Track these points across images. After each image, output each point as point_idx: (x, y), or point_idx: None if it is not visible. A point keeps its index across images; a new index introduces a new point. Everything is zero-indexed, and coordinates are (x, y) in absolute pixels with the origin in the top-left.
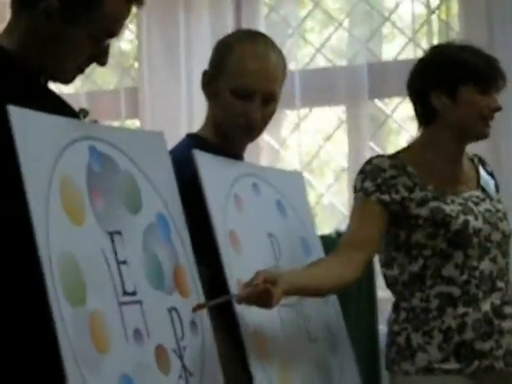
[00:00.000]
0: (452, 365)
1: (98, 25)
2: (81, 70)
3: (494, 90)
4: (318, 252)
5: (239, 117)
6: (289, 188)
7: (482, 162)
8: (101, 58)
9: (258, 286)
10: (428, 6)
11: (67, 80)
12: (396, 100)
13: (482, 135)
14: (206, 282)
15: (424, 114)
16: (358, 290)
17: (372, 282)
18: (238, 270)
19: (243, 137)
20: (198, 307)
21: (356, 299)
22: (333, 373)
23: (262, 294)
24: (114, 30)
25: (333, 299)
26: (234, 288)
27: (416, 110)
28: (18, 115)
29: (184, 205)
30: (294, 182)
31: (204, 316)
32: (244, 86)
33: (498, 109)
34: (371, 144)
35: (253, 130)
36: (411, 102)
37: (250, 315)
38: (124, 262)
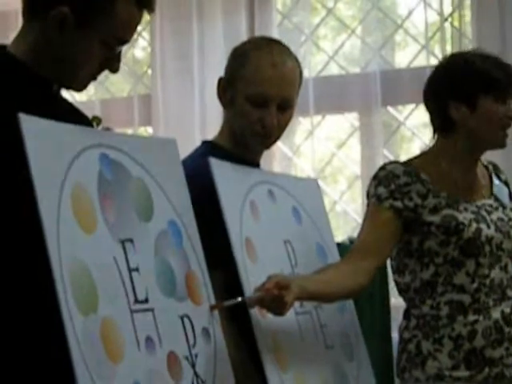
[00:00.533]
0: (462, 372)
1: (110, 30)
2: (93, 77)
3: (510, 98)
4: (335, 258)
5: (255, 124)
6: (304, 195)
7: (497, 170)
8: (113, 64)
9: (272, 291)
10: (441, 13)
11: (80, 87)
12: (409, 107)
13: (500, 145)
14: (222, 286)
15: (441, 123)
16: (372, 297)
17: (386, 289)
18: (254, 278)
19: (259, 144)
20: (213, 307)
21: (370, 306)
22: (348, 380)
23: (276, 300)
24: (126, 36)
25: (350, 307)
26: (249, 293)
27: (432, 118)
28: (29, 123)
29: (201, 212)
30: (310, 188)
31: (216, 323)
32: (260, 94)
33: None
34: (384, 151)
35: (269, 137)
36: (427, 111)
37: (266, 319)
38: (136, 270)
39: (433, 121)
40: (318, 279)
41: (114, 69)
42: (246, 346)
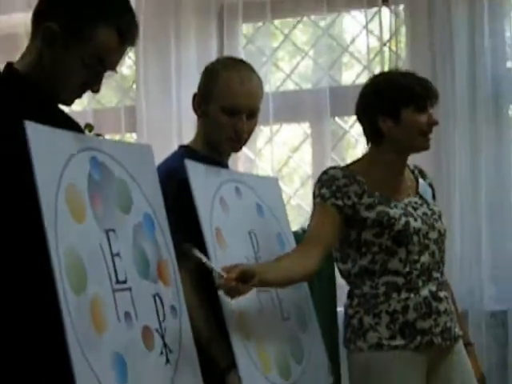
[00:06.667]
0: (398, 341)
1: (90, 52)
2: (78, 95)
3: (429, 107)
4: (291, 245)
5: (229, 131)
6: (266, 191)
7: (422, 174)
8: (93, 85)
9: (231, 281)
10: (380, 39)
11: (66, 102)
12: (353, 118)
13: (423, 148)
14: (194, 269)
15: (372, 135)
16: (321, 279)
17: (333, 272)
18: (223, 262)
19: (230, 148)
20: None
21: (319, 286)
22: (303, 346)
23: (231, 289)
24: (106, 61)
25: (303, 285)
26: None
27: (364, 130)
28: (33, 129)
29: (177, 205)
30: (271, 186)
31: (182, 301)
32: (232, 105)
33: (435, 123)
34: (332, 155)
35: (240, 141)
36: (360, 124)
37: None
38: (117, 255)
39: (365, 132)
40: (276, 269)
41: (95, 89)
42: (216, 321)
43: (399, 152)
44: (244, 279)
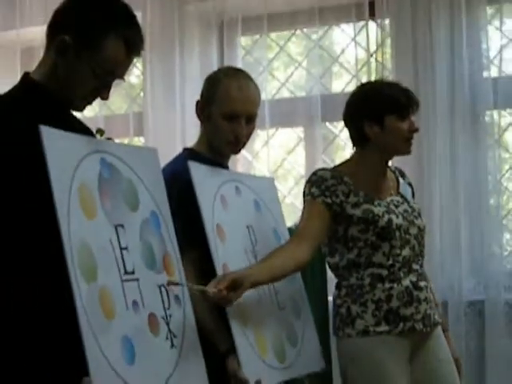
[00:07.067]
0: (383, 327)
1: (100, 63)
2: (88, 102)
3: (411, 115)
4: (286, 239)
5: (229, 135)
6: (263, 190)
7: (402, 175)
8: (103, 93)
9: (222, 292)
10: (368, 50)
11: (78, 108)
12: (342, 123)
13: (405, 153)
14: (197, 261)
15: (358, 139)
16: (313, 273)
17: (324, 267)
18: (223, 256)
19: (230, 150)
20: (171, 283)
21: (311, 278)
22: (297, 333)
23: (223, 298)
24: (114, 71)
25: (298, 277)
26: (220, 270)
27: (351, 135)
28: (47, 133)
29: (181, 203)
30: (267, 185)
31: (185, 292)
32: (232, 111)
33: (416, 130)
34: (323, 157)
35: (239, 144)
36: (347, 129)
37: None
38: (125, 248)
39: (352, 137)
40: (267, 268)
41: (105, 97)
42: (217, 309)
43: (383, 155)
44: (233, 287)
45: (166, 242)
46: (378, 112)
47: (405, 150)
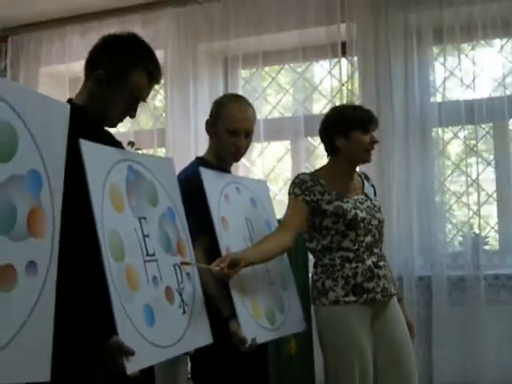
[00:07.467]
0: (350, 298)
1: (128, 91)
2: (120, 120)
3: (372, 130)
4: None
5: (231, 147)
6: (258, 190)
7: (367, 178)
8: (131, 113)
9: (224, 269)
10: (340, 81)
11: (112, 125)
12: None
13: (367, 161)
14: (208, 245)
15: (330, 150)
16: (297, 254)
17: (305, 250)
18: (227, 241)
19: (232, 159)
20: (184, 263)
21: (295, 259)
22: (284, 301)
23: (224, 275)
24: (140, 96)
25: (285, 257)
26: (224, 252)
27: (325, 147)
28: (86, 146)
29: (193, 201)
30: (262, 186)
31: (195, 270)
32: (234, 128)
33: (376, 141)
34: (306, 164)
35: (239, 154)
36: (322, 142)
37: None
38: (147, 236)
39: (326, 148)
40: (258, 251)
41: (132, 116)
42: (221, 283)
43: (349, 162)
44: (232, 265)
45: (180, 231)
46: (345, 128)
47: (366, 158)
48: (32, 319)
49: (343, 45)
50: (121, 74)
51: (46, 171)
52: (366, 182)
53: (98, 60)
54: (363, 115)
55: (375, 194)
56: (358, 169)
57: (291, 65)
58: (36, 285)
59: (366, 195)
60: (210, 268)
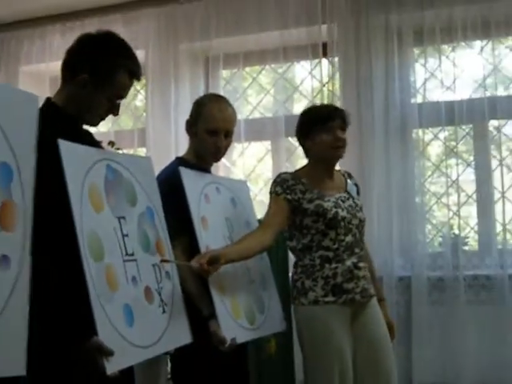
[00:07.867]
0: (330, 298)
1: (112, 91)
2: (102, 119)
3: (336, 127)
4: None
5: (211, 146)
6: (239, 190)
7: (350, 176)
8: (114, 111)
9: (203, 265)
10: (321, 81)
11: (94, 124)
12: None
13: (336, 158)
14: (187, 244)
15: (304, 152)
16: (278, 254)
17: (286, 249)
18: (207, 240)
19: (213, 159)
20: (163, 261)
21: (276, 257)
22: (264, 301)
23: (203, 271)
24: (122, 95)
25: (265, 256)
26: (204, 251)
27: (302, 148)
28: (64, 146)
29: (173, 200)
30: (242, 186)
31: (174, 269)
32: (214, 128)
33: (339, 139)
34: (286, 164)
35: (219, 154)
36: (299, 145)
37: None
38: (126, 235)
39: (302, 149)
40: (238, 249)
41: (115, 114)
42: (201, 282)
43: (322, 162)
44: (212, 262)
45: (159, 230)
46: (307, 129)
47: (334, 155)
48: (5, 314)
49: (324, 46)
50: (107, 76)
51: (17, 164)
52: (348, 181)
53: (78, 62)
54: (322, 113)
55: (358, 193)
56: (338, 167)
57: (272, 65)
58: (9, 279)
59: (349, 193)
60: (190, 265)
